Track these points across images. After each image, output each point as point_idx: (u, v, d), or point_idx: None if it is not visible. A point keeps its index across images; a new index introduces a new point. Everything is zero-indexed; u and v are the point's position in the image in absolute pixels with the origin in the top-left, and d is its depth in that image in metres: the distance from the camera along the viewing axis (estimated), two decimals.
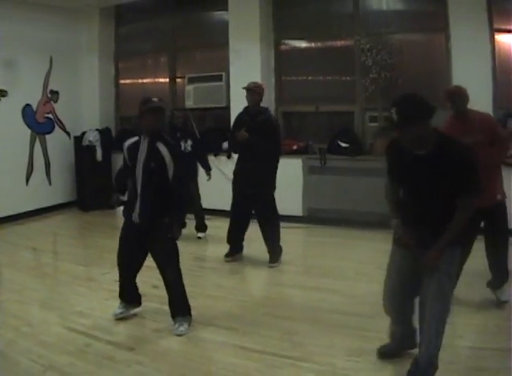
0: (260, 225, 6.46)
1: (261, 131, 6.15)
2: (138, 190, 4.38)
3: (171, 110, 7.65)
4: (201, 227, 7.86)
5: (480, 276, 5.13)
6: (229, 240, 6.64)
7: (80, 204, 10.11)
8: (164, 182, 4.35)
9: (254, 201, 6.35)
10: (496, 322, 4.52)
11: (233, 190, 6.52)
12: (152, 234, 4.44)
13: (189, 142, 7.51)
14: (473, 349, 4.05)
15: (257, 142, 6.11)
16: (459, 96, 4.69)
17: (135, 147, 4.43)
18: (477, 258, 4.92)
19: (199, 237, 7.77)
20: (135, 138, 4.50)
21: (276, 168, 6.44)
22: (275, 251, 6.43)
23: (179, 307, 4.61)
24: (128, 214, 4.50)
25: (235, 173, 6.52)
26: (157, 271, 4.59)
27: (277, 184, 6.45)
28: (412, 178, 3.34)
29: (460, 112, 4.69)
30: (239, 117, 6.56)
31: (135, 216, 4.41)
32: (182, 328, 4.50)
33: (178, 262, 4.56)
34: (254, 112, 6.36)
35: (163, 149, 4.33)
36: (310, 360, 4.00)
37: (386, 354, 3.92)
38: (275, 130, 6.41)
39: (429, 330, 3.33)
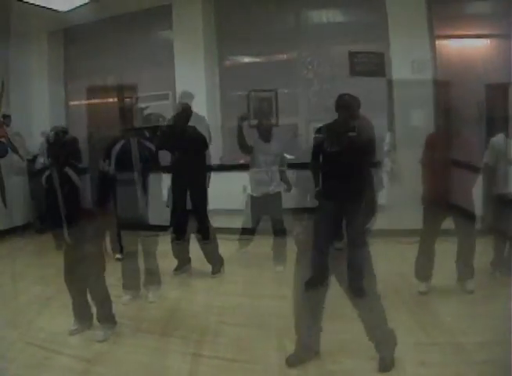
0: (198, 239, 6.62)
1: (196, 148, 6.40)
2: (62, 214, 4.63)
3: (89, 132, 7.64)
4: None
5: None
6: (175, 255, 6.75)
7: (36, 226, 10.19)
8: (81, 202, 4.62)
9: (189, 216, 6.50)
10: (442, 318, 4.82)
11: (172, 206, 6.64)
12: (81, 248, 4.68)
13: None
14: (419, 345, 4.27)
15: (192, 160, 6.33)
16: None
17: (49, 177, 4.68)
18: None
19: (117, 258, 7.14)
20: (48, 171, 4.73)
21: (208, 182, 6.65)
22: (216, 263, 6.61)
23: (110, 316, 4.95)
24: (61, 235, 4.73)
25: (172, 189, 6.62)
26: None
27: (226, 198, 6.67)
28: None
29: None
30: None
31: (66, 236, 4.68)
32: (105, 333, 4.81)
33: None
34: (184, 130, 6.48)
35: (71, 174, 4.59)
36: (261, 362, 4.20)
37: (294, 362, 4.12)
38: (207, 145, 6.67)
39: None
